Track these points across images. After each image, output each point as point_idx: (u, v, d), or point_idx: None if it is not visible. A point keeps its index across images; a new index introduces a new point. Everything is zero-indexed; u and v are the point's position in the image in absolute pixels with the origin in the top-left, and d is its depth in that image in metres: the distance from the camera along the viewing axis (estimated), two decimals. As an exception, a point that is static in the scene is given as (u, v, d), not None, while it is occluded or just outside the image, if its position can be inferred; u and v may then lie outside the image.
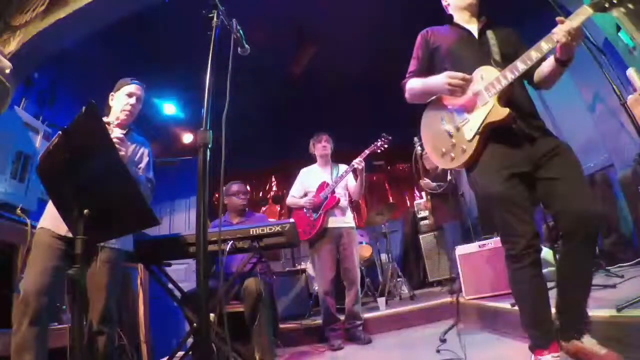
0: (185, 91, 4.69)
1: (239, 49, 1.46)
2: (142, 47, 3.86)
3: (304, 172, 3.41)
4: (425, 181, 4.02)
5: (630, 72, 2.28)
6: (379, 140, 3.19)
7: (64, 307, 2.10)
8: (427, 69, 1.70)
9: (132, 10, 3.23)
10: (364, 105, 5.60)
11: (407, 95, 1.74)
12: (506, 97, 1.44)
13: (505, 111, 1.41)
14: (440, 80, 1.53)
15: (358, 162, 3.05)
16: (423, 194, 4.46)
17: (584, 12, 1.28)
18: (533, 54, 1.36)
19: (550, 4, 1.67)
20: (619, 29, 2.37)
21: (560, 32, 1.29)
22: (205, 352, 1.09)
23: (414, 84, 1.69)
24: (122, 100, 1.95)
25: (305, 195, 3.29)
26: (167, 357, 2.11)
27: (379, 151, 3.21)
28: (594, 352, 1.31)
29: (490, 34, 1.59)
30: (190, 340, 2.17)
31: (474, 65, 1.51)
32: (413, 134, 5.63)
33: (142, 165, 2.00)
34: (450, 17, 1.74)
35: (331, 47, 4.49)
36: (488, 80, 1.46)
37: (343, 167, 3.32)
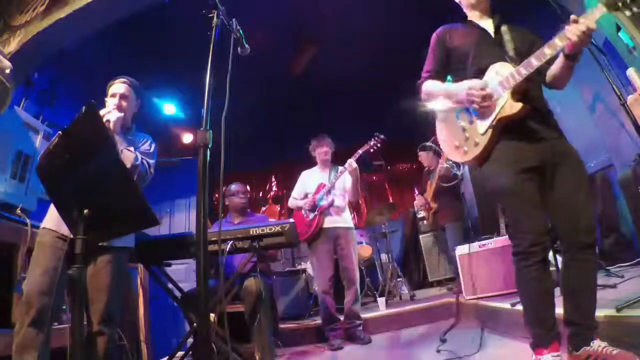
0: (185, 91, 4.69)
1: (239, 49, 1.46)
2: (143, 47, 3.86)
3: (305, 174, 3.43)
4: (445, 166, 3.98)
5: (630, 72, 2.28)
6: (372, 139, 3.18)
7: (64, 307, 2.10)
8: (443, 69, 1.69)
9: (132, 10, 3.23)
10: (364, 105, 5.60)
11: (423, 96, 1.72)
12: (520, 93, 1.44)
13: (519, 105, 1.41)
14: (461, 90, 1.52)
15: (349, 164, 3.04)
16: (426, 192, 4.44)
17: (597, 11, 1.27)
18: (547, 51, 1.35)
19: (546, 1, 1.67)
20: (619, 29, 2.37)
21: (575, 30, 1.27)
22: (205, 352, 1.09)
23: (433, 88, 1.67)
24: (108, 104, 1.95)
25: (306, 197, 3.30)
26: (167, 357, 2.11)
27: (372, 151, 3.19)
28: (605, 354, 1.29)
29: (504, 30, 1.58)
30: (190, 340, 2.17)
31: (491, 63, 1.51)
32: (416, 134, 5.63)
33: (145, 148, 2.00)
34: (464, 15, 1.72)
35: (331, 47, 4.50)
36: (502, 75, 1.46)
37: (341, 169, 3.34)
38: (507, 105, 1.43)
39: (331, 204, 3.15)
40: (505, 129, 1.46)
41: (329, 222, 3.14)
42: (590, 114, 3.22)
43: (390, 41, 4.47)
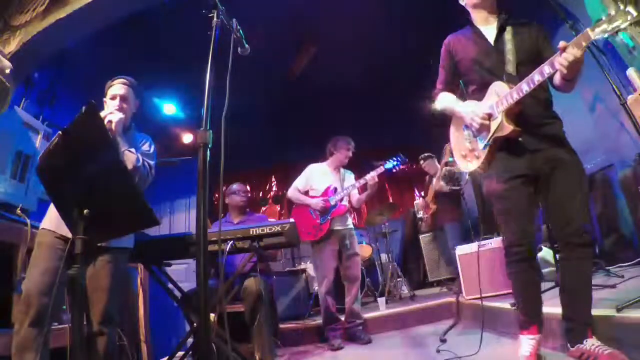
0: (185, 91, 4.69)
1: (239, 48, 1.46)
2: (142, 47, 3.85)
3: (314, 168, 3.37)
4: (441, 183, 4.08)
5: (630, 72, 2.28)
6: (395, 160, 3.20)
7: (64, 307, 2.10)
8: (455, 78, 1.82)
9: (132, 10, 3.23)
10: (364, 106, 5.60)
11: (438, 106, 1.86)
12: (513, 113, 1.54)
13: (510, 128, 1.53)
14: (465, 114, 1.68)
15: (372, 178, 3.05)
16: (426, 194, 4.49)
17: (585, 38, 1.29)
18: (536, 78, 1.41)
19: (547, 1, 1.67)
20: (619, 29, 2.37)
21: (562, 61, 1.32)
22: (205, 352, 1.08)
23: (445, 102, 1.81)
24: (108, 105, 1.94)
25: (307, 192, 3.28)
26: (167, 357, 2.11)
27: (394, 171, 3.23)
28: (597, 353, 1.33)
29: (507, 36, 1.63)
30: (190, 340, 2.17)
31: (491, 79, 1.61)
32: (416, 135, 5.63)
33: (145, 149, 2.00)
34: (469, 18, 1.77)
35: (332, 48, 4.50)
36: (500, 95, 1.55)
37: (349, 175, 3.37)
38: (501, 127, 1.55)
39: (345, 212, 3.16)
40: (501, 144, 1.59)
41: (337, 224, 3.13)
42: (590, 114, 3.22)
43: (391, 44, 4.46)
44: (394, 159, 3.20)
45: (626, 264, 2.58)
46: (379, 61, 4.76)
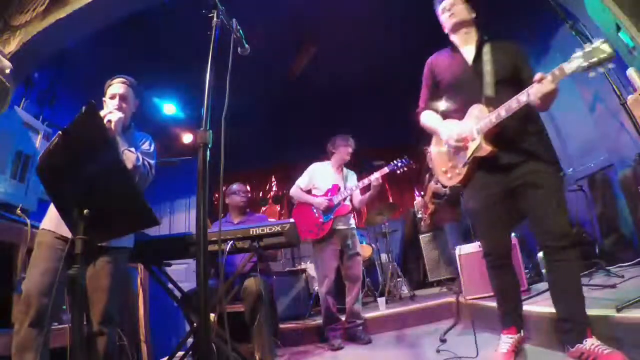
0: (185, 91, 4.68)
1: (238, 48, 1.46)
2: (143, 47, 3.85)
3: (317, 167, 3.36)
4: (437, 185, 4.07)
5: (630, 72, 2.28)
6: (400, 161, 3.19)
7: (64, 307, 2.10)
8: (437, 97, 1.89)
9: (132, 10, 3.23)
10: (363, 105, 5.60)
11: (421, 124, 1.96)
12: (492, 134, 1.61)
13: (488, 149, 1.62)
14: (443, 135, 1.77)
15: (376, 179, 3.05)
16: (425, 194, 4.48)
17: (560, 73, 1.35)
18: (513, 105, 1.49)
19: (548, 3, 1.68)
20: (619, 29, 2.37)
21: (537, 93, 1.40)
22: (205, 352, 1.08)
23: (427, 121, 1.91)
24: (108, 105, 1.94)
25: (310, 190, 3.28)
26: (167, 357, 2.11)
27: (398, 172, 3.23)
28: (597, 352, 1.34)
29: (486, 56, 1.67)
30: (190, 340, 2.17)
31: (470, 99, 1.68)
32: (416, 135, 5.63)
33: (145, 148, 1.99)
34: (450, 40, 1.84)
35: (332, 48, 4.49)
36: (480, 118, 1.63)
37: (352, 175, 3.37)
38: (479, 148, 1.63)
39: (349, 212, 3.16)
40: (480, 163, 1.69)
41: (340, 224, 3.13)
42: (590, 114, 3.22)
43: (391, 44, 4.46)
44: (399, 160, 3.20)
45: (626, 264, 2.57)
46: (379, 61, 4.75)
